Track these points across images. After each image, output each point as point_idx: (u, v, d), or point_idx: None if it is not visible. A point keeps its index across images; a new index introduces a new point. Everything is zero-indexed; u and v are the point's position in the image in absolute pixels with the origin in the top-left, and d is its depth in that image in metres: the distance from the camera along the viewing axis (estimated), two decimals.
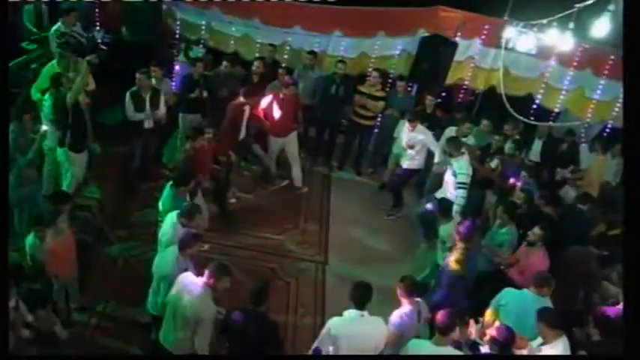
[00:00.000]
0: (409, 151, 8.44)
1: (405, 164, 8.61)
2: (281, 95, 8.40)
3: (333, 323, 4.84)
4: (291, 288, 7.24)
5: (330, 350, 4.83)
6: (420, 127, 8.27)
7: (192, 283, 4.95)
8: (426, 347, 4.72)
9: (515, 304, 5.42)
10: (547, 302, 5.40)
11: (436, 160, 8.34)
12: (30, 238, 5.85)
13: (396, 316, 5.17)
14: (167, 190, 6.38)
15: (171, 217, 5.84)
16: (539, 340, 5.02)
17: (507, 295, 5.56)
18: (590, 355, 4.68)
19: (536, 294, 5.44)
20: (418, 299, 5.36)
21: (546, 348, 4.90)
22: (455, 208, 7.10)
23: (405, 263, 7.54)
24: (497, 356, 5.10)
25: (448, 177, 7.63)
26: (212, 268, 4.89)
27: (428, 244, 7.84)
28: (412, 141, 8.31)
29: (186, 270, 5.19)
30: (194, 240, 5.34)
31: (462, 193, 7.32)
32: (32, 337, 5.27)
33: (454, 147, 7.52)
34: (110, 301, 6.55)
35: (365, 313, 4.83)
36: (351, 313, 4.83)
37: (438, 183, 8.26)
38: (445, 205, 6.88)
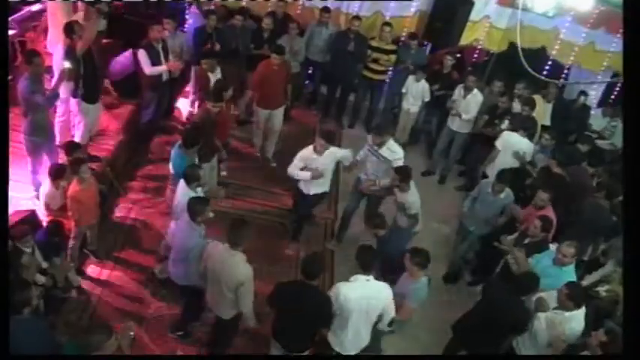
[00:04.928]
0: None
1: None
2: (274, 66, 7.82)
3: (340, 289, 4.78)
4: (300, 244, 7.29)
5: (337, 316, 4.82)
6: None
7: (222, 250, 4.89)
8: None
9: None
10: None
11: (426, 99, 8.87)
12: (45, 187, 5.92)
13: (414, 289, 5.12)
14: (176, 150, 6.23)
15: (181, 185, 5.67)
16: (553, 303, 5.11)
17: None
18: (590, 356, 4.73)
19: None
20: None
21: (567, 314, 4.98)
22: None
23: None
24: (504, 356, 5.28)
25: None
26: (232, 234, 4.86)
27: None
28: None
29: (201, 236, 5.15)
30: (202, 205, 5.12)
31: None
32: (48, 284, 5.41)
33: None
34: (125, 249, 6.65)
35: (370, 277, 4.81)
36: (357, 278, 4.81)
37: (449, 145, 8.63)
38: (405, 172, 6.41)
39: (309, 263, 4.77)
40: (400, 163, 6.59)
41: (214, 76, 7.61)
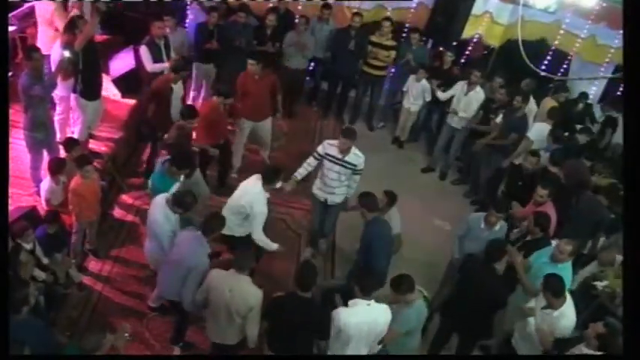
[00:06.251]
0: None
1: None
2: (255, 75, 7.43)
3: (340, 314, 4.67)
4: (302, 239, 7.31)
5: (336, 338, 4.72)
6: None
7: (227, 278, 4.77)
8: None
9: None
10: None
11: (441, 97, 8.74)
12: (46, 182, 5.92)
13: (405, 313, 4.96)
14: (159, 167, 6.01)
15: (161, 205, 5.29)
16: (543, 301, 5.08)
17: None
18: (590, 355, 4.72)
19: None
20: (420, 288, 5.12)
21: (555, 314, 4.97)
22: None
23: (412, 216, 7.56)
24: (501, 356, 5.30)
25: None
26: (237, 258, 4.84)
27: None
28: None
29: (209, 255, 5.03)
30: (220, 222, 5.10)
31: None
32: (49, 280, 5.42)
33: None
34: (125, 245, 6.66)
35: (371, 301, 4.68)
36: (357, 302, 4.67)
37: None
38: (392, 196, 6.22)
39: (302, 274, 4.70)
40: (363, 165, 6.42)
41: (179, 88, 7.25)
